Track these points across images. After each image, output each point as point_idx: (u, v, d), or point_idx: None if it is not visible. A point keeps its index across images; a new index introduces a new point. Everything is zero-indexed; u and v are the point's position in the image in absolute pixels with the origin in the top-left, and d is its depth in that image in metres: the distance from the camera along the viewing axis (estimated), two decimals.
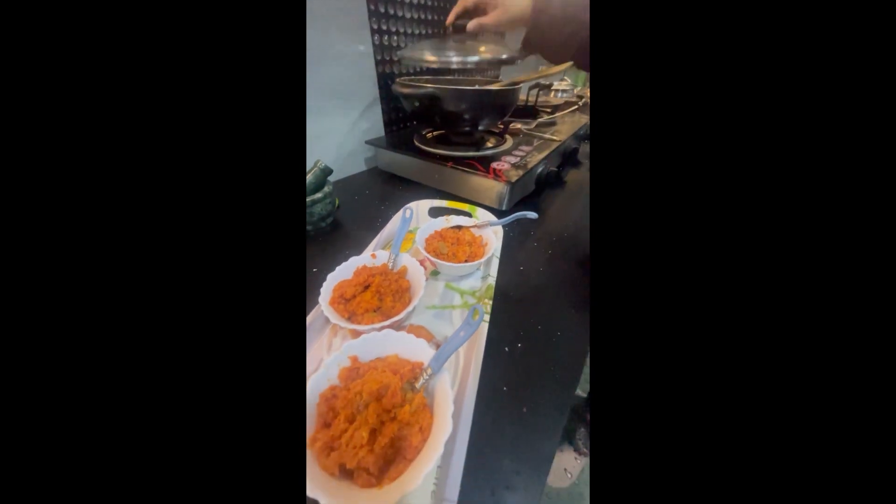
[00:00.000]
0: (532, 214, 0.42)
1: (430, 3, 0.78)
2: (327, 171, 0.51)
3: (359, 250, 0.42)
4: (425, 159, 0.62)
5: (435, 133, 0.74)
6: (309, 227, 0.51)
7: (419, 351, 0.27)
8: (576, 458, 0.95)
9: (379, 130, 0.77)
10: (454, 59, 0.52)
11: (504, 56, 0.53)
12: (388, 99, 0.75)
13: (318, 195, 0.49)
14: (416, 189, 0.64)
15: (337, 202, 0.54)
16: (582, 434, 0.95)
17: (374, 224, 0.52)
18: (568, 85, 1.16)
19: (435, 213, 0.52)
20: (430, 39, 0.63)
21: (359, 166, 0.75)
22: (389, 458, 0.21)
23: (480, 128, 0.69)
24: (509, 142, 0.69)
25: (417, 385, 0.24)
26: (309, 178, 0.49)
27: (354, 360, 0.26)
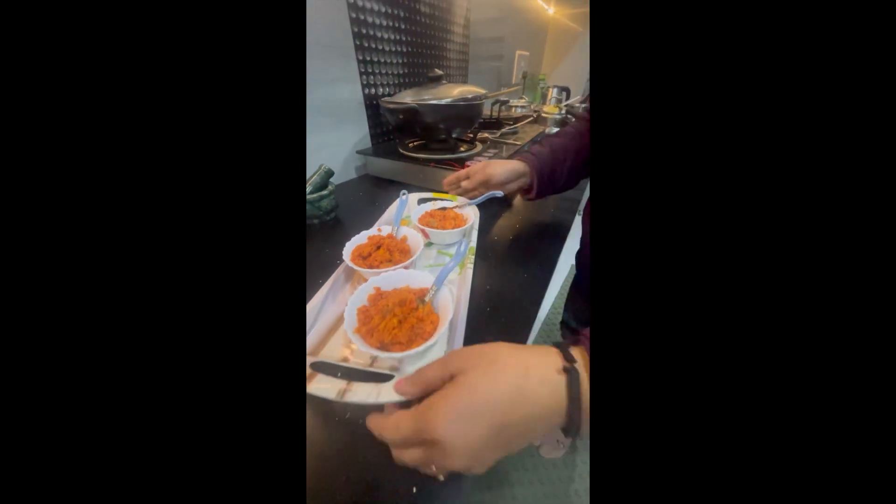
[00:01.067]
0: (499, 193, 0.54)
1: (404, 39, 0.92)
2: (330, 173, 0.61)
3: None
4: (410, 162, 0.73)
5: (416, 143, 0.87)
6: (316, 221, 0.60)
7: (425, 281, 0.36)
8: None
9: (366, 143, 0.89)
10: (431, 102, 0.69)
11: (470, 96, 0.70)
12: (374, 116, 0.87)
13: (324, 192, 0.59)
14: (404, 188, 0.75)
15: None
16: None
17: (371, 218, 0.62)
18: (525, 102, 1.34)
19: (423, 202, 0.63)
20: (411, 88, 0.80)
21: (350, 174, 0.85)
22: (412, 337, 0.30)
23: (454, 136, 0.82)
24: (479, 147, 0.82)
25: (426, 299, 0.34)
26: (315, 178, 0.59)
27: (378, 289, 0.35)
